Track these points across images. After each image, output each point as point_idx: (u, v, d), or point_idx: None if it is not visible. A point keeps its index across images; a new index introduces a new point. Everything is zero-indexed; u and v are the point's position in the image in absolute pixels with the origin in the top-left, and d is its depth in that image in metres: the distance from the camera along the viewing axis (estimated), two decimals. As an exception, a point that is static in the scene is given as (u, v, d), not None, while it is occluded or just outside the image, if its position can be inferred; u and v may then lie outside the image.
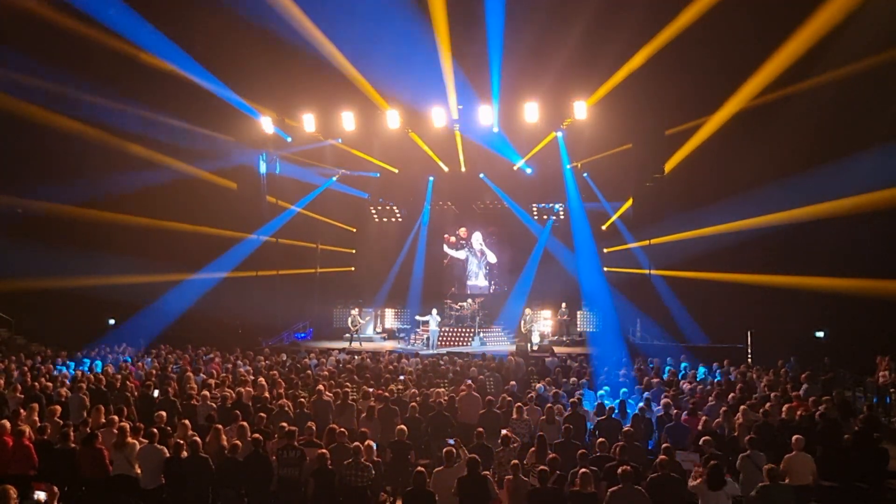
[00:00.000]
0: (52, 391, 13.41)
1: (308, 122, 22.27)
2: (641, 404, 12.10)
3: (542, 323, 25.15)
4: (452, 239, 28.87)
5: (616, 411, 11.42)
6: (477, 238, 28.75)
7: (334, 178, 27.29)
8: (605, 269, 25.91)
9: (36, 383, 14.03)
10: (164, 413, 10.80)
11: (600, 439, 9.55)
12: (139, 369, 16.62)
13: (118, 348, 20.12)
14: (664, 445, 9.19)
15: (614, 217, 25.83)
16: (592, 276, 26.24)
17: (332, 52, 19.44)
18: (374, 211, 29.18)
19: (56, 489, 8.19)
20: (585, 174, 25.68)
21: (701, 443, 9.27)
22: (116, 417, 10.26)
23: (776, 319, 20.54)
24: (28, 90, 20.51)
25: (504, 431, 10.11)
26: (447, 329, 25.43)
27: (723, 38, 18.61)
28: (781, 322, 20.53)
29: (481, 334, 25.02)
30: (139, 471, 9.08)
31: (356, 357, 17.95)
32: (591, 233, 26.50)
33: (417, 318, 25.21)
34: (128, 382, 14.27)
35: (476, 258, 28.63)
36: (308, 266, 28.41)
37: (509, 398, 12.38)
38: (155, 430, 9.43)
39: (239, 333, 23.34)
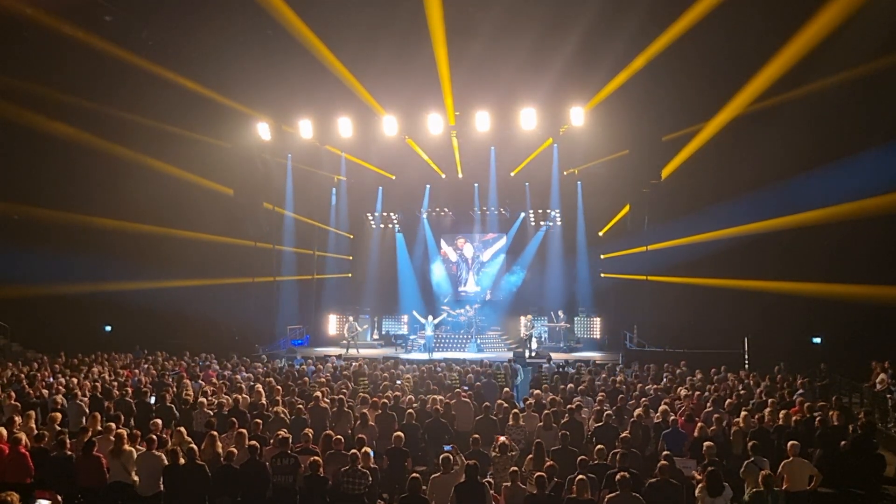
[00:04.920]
0: (47, 398, 13.40)
1: (305, 128, 22.28)
2: (639, 410, 12.07)
3: (540, 329, 25.14)
4: (449, 249, 28.88)
5: (613, 417, 11.41)
6: (469, 247, 28.76)
7: (334, 190, 27.52)
8: (603, 274, 25.94)
9: (32, 390, 14.00)
10: (159, 420, 10.79)
11: (598, 446, 9.54)
12: (136, 376, 16.55)
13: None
14: (665, 453, 9.19)
15: (611, 223, 25.87)
16: (590, 282, 26.29)
17: (330, 58, 19.46)
18: (370, 217, 29.19)
19: (59, 498, 8.17)
20: (578, 182, 25.90)
21: (704, 448, 9.28)
22: (113, 424, 10.23)
23: (773, 325, 20.56)
24: (25, 95, 20.51)
25: (502, 439, 10.09)
26: (445, 336, 25.45)
27: (719, 44, 18.68)
28: (778, 328, 20.55)
29: (478, 340, 25.03)
30: (136, 478, 9.05)
31: (353, 363, 17.92)
32: (588, 239, 26.60)
33: (416, 314, 25.02)
34: (128, 388, 14.26)
35: (466, 264, 28.64)
36: (305, 272, 28.39)
37: (506, 404, 12.36)
38: (154, 436, 9.41)
39: (236, 340, 23.30)
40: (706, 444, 9.37)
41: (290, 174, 26.01)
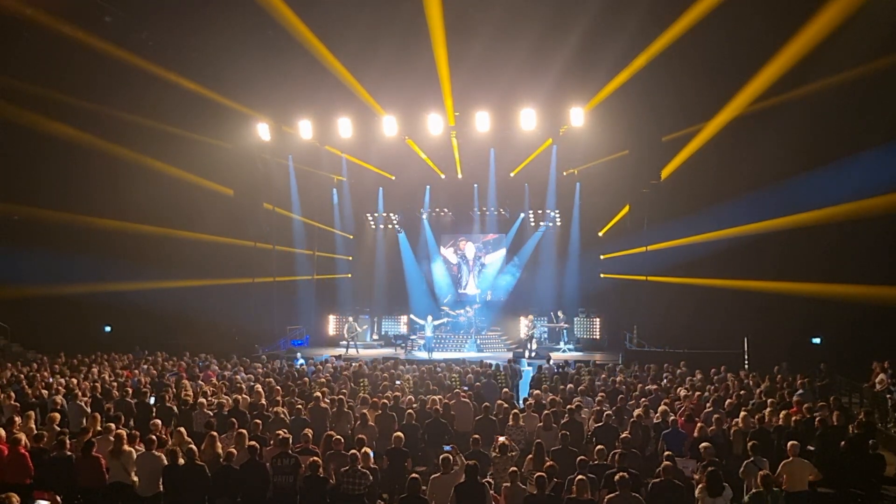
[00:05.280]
0: (47, 399, 13.40)
1: (305, 128, 22.26)
2: (639, 410, 12.06)
3: (539, 329, 25.13)
4: (450, 250, 28.88)
5: (613, 417, 11.40)
6: (470, 247, 28.77)
7: (334, 190, 27.55)
8: (602, 275, 25.94)
9: (31, 391, 14.00)
10: (159, 421, 10.78)
11: (598, 446, 9.54)
12: (135, 376, 16.55)
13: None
14: (666, 453, 9.19)
15: (611, 223, 25.89)
16: (589, 282, 26.28)
17: (330, 59, 19.47)
18: (370, 218, 29.21)
19: (59, 498, 8.15)
20: (577, 183, 25.92)
21: (701, 450, 9.28)
22: (113, 425, 10.23)
23: (773, 325, 20.57)
24: (25, 95, 20.51)
25: (502, 439, 10.09)
26: (444, 336, 25.47)
27: (719, 44, 18.69)
28: (778, 328, 20.55)
29: (478, 340, 25.05)
30: (136, 478, 9.05)
31: (353, 364, 17.93)
32: (587, 239, 26.59)
33: (413, 317, 25.23)
34: (128, 389, 14.26)
35: (468, 266, 28.64)
36: (305, 273, 28.39)
37: (506, 405, 12.36)
38: (153, 437, 9.41)
39: (235, 340, 23.30)
40: (703, 444, 9.37)
41: (293, 175, 26.01)
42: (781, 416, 11.02)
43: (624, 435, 10.12)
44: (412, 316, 25.45)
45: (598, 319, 26.19)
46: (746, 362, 19.25)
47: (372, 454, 9.40)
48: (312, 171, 26.38)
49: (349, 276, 29.58)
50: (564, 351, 24.08)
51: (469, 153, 24.41)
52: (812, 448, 10.09)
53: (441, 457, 8.79)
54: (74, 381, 14.96)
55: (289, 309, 26.97)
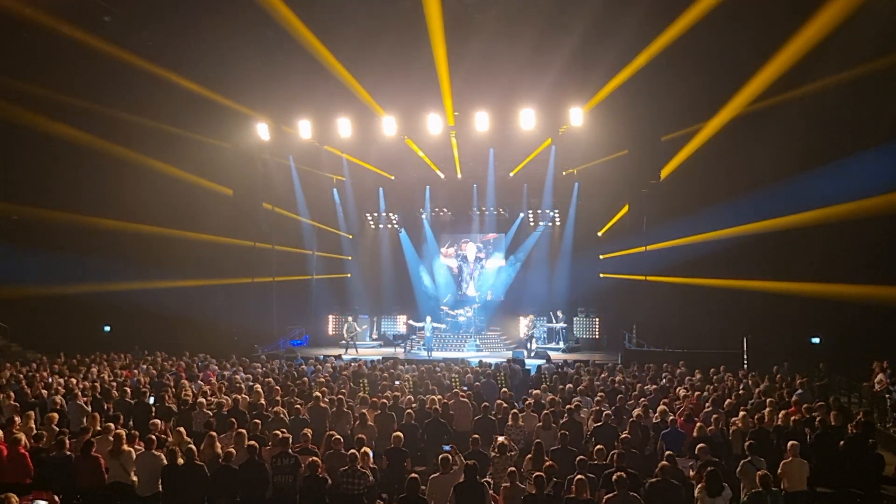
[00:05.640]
0: (46, 399, 13.40)
1: (304, 128, 22.26)
2: (638, 410, 12.07)
3: (539, 329, 25.15)
4: (450, 250, 28.86)
5: (612, 417, 11.41)
6: (471, 248, 28.76)
7: (335, 190, 27.59)
8: (602, 275, 25.96)
9: (31, 391, 14.00)
10: (158, 421, 10.79)
11: (598, 446, 9.54)
12: (134, 376, 16.55)
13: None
14: (667, 453, 9.20)
15: (611, 223, 25.89)
16: (588, 282, 26.30)
17: (329, 59, 19.46)
18: (370, 217, 29.21)
19: (58, 498, 8.15)
20: (576, 183, 25.93)
21: (697, 450, 9.29)
22: (112, 425, 10.23)
23: (772, 325, 20.57)
24: (24, 96, 20.50)
25: (501, 439, 10.09)
26: (444, 336, 25.48)
27: (719, 43, 18.69)
28: (777, 328, 20.55)
29: (477, 340, 25.05)
30: (135, 478, 9.05)
31: (352, 364, 17.93)
32: (587, 239, 26.60)
33: (412, 322, 25.33)
34: (127, 389, 14.26)
35: (468, 267, 28.62)
36: (305, 273, 28.39)
37: (505, 404, 12.36)
38: (153, 437, 9.41)
39: (235, 340, 23.29)
40: (699, 445, 9.37)
41: (296, 175, 26.00)
42: (780, 415, 11.03)
43: (623, 435, 10.12)
44: (411, 321, 25.44)
45: (597, 319, 26.20)
46: (746, 362, 19.25)
47: (371, 454, 9.40)
48: (312, 171, 26.38)
49: (348, 275, 29.59)
50: (564, 350, 24.10)
51: (468, 153, 24.41)
52: (810, 448, 10.09)
53: (440, 456, 8.79)
54: (74, 380, 14.96)
55: (288, 309, 26.98)
